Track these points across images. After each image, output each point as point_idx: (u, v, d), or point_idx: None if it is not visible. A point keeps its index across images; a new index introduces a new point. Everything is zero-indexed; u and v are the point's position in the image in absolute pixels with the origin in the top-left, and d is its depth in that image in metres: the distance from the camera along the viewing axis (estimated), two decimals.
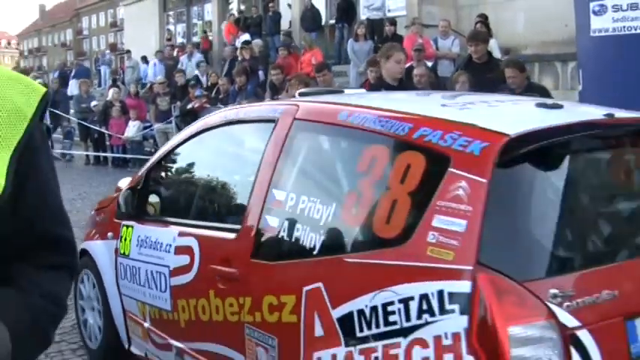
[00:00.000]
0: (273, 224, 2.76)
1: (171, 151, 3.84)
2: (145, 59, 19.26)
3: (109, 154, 15.02)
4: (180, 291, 3.36)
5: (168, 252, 3.47)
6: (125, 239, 3.95)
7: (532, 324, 1.96)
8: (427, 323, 2.06)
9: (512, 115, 2.62)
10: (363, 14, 14.38)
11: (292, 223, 2.66)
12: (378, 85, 6.24)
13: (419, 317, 2.08)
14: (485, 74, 7.18)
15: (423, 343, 2.07)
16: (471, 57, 7.66)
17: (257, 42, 15.07)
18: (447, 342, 2.01)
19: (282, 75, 10.05)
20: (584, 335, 2.01)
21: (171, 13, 24.29)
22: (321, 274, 2.46)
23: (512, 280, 1.99)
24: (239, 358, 2.93)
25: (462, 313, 1.99)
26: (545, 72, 10.96)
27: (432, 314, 2.05)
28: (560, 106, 2.58)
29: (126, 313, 4.03)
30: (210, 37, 20.40)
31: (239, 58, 14.39)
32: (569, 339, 1.98)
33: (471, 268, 1.99)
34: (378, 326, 2.21)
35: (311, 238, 2.55)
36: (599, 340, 2.03)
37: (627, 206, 2.32)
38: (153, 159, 4.09)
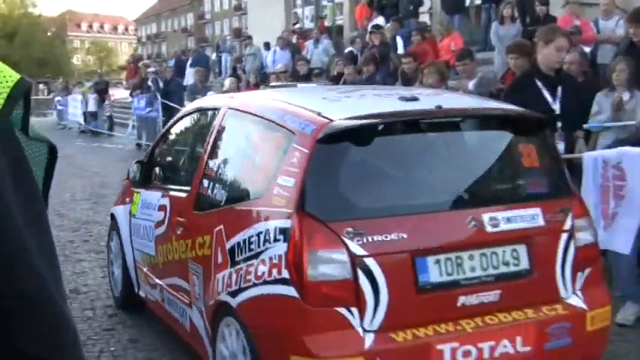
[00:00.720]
0: (206, 185, 3.74)
1: (167, 132, 4.89)
2: (267, 46, 17.38)
3: None
4: (159, 239, 4.39)
5: (155, 210, 4.52)
6: (135, 203, 5.04)
7: (327, 250, 2.84)
8: (267, 249, 2.98)
9: (362, 105, 3.43)
10: None
11: (214, 184, 3.63)
12: (529, 74, 5.15)
13: (264, 245, 3.00)
14: None
15: (264, 263, 2.99)
16: (632, 41, 6.51)
17: (389, 26, 12.95)
18: (275, 261, 2.92)
19: (414, 63, 8.83)
20: (371, 262, 2.85)
21: None
22: (223, 218, 3.42)
23: (319, 221, 2.86)
24: (186, 286, 3.92)
25: (284, 241, 2.90)
26: None
27: (270, 242, 2.97)
28: (415, 99, 3.38)
29: (136, 263, 5.11)
30: (341, 21, 18.77)
31: (369, 45, 12.31)
32: (357, 263, 2.84)
33: (292, 211, 2.89)
34: (245, 253, 3.14)
35: (222, 194, 3.53)
36: (385, 268, 2.87)
37: (421, 172, 3.13)
38: (157, 138, 5.17)
